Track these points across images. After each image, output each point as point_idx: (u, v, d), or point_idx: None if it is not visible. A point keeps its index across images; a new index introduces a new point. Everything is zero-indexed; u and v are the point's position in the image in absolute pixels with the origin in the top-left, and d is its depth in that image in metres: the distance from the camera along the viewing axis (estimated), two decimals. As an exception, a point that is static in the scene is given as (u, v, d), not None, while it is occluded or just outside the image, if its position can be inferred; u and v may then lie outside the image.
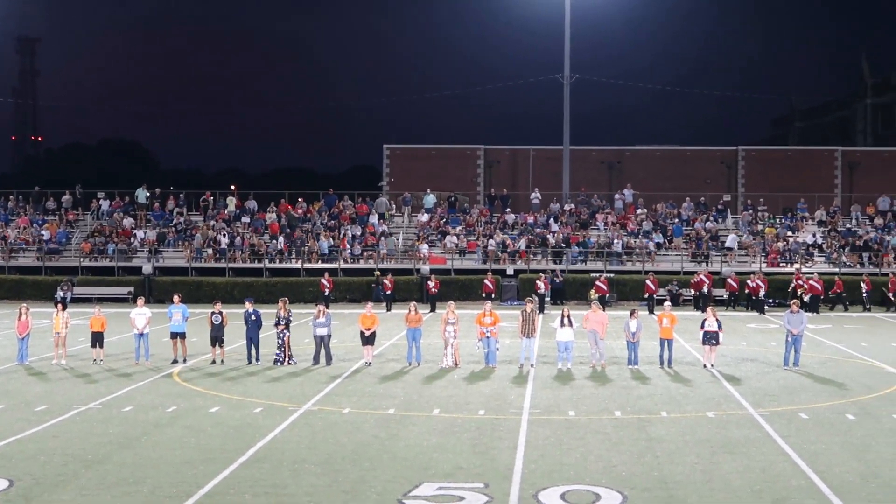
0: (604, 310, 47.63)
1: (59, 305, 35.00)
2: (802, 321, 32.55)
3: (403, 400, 26.49)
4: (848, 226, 67.97)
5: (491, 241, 63.94)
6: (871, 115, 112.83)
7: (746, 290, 55.36)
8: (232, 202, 70.59)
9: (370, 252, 63.83)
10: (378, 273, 58.85)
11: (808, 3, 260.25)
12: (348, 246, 64.09)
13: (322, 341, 32.90)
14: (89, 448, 20.76)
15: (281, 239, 64.69)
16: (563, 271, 60.17)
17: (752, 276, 55.80)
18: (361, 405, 25.75)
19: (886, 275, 58.50)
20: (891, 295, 55.89)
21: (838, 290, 56.24)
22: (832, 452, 20.48)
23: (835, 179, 79.04)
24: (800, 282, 54.79)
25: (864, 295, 55.98)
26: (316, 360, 32.91)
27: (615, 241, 63.78)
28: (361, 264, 63.23)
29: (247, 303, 34.11)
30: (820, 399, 26.88)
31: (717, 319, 32.50)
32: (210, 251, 63.85)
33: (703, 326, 32.50)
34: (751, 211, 69.64)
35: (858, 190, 76.39)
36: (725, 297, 56.69)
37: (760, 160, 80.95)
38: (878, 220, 67.74)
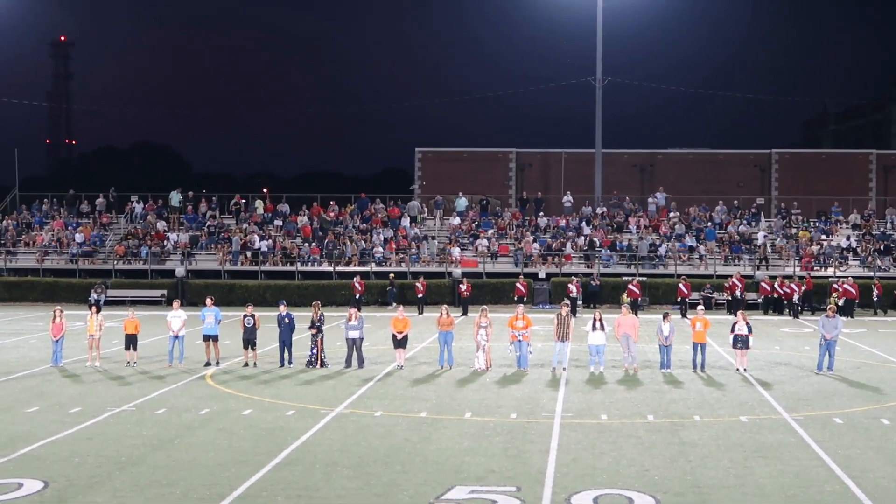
0: (635, 313, 47.69)
1: (93, 308, 35.21)
2: (837, 326, 32.39)
3: (435, 403, 26.50)
4: (882, 229, 67.54)
5: (534, 244, 63.80)
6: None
7: (775, 294, 55.16)
8: (261, 205, 70.82)
9: (402, 255, 63.89)
10: (393, 276, 58.84)
11: (841, 4, 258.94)
12: (381, 249, 64.18)
13: (354, 344, 32.96)
14: (123, 450, 20.87)
15: (313, 244, 64.80)
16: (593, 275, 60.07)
17: (783, 279, 55.56)
18: (393, 408, 25.77)
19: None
20: None
21: (879, 294, 55.89)
22: (867, 458, 20.36)
23: (869, 183, 78.64)
24: (835, 286, 54.50)
25: (875, 299, 55.72)
26: (348, 362, 32.97)
27: (642, 240, 63.58)
28: (393, 267, 63.29)
29: (280, 305, 34.23)
30: (854, 404, 26.73)
31: (747, 323, 32.40)
32: (248, 254, 64.01)
33: (733, 330, 32.43)
34: (784, 214, 69.33)
35: (893, 193, 75.93)
36: (760, 301, 56.45)
37: (794, 163, 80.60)
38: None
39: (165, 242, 66.07)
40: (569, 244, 64.35)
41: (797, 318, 52.27)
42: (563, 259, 62.85)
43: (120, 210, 72.09)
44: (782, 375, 31.74)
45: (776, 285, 55.00)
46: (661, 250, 63.57)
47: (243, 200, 71.36)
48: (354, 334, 32.93)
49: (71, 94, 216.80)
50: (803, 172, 79.07)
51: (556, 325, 32.52)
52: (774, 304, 55.53)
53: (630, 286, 54.98)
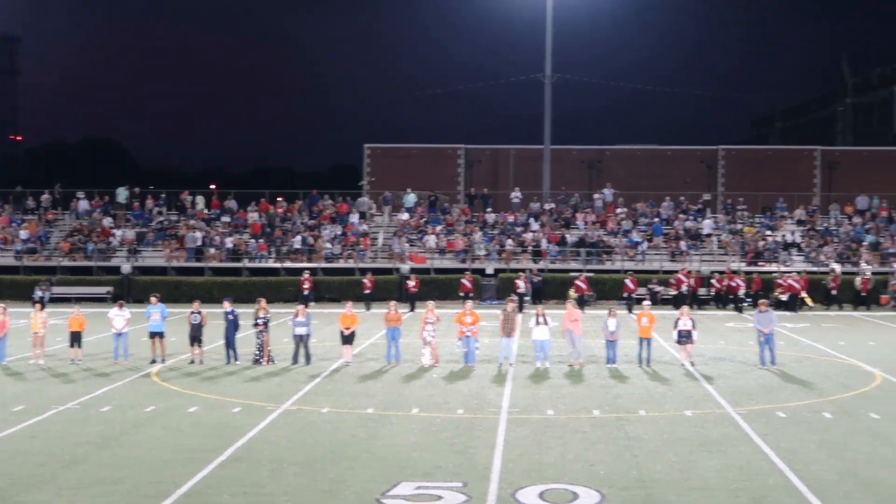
0: (582, 309, 47.88)
1: (38, 305, 34.94)
2: (772, 320, 32.76)
3: (382, 399, 26.51)
4: (826, 225, 68.22)
5: (477, 237, 63.92)
6: (850, 115, 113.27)
7: (715, 290, 55.66)
8: (202, 201, 70.37)
9: (350, 252, 63.79)
10: (308, 272, 58.29)
11: (790, 3, 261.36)
12: (329, 245, 64.04)
13: (301, 340, 32.91)
14: (67, 448, 20.73)
15: (261, 240, 64.56)
16: (542, 270, 60.19)
17: (727, 274, 55.98)
18: (340, 404, 25.76)
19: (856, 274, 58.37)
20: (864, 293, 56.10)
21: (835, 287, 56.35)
22: (809, 451, 20.58)
23: (814, 179, 79.33)
24: (779, 281, 54.98)
25: (833, 294, 56.23)
26: (295, 359, 32.91)
27: (588, 234, 63.90)
28: (341, 264, 63.19)
29: (225, 302, 34.06)
30: (797, 398, 27.00)
31: (690, 318, 32.67)
32: (213, 250, 63.56)
33: (676, 326, 32.65)
34: (729, 210, 69.85)
35: (837, 189, 76.68)
36: (711, 295, 56.83)
37: (740, 160, 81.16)
38: (857, 219, 68.01)
39: (111, 239, 65.56)
40: (508, 242, 64.48)
41: (741, 312, 52.68)
42: (508, 255, 62.95)
43: (66, 206, 71.43)
44: (726, 370, 32.01)
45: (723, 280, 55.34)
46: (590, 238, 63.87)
47: (190, 197, 70.88)
48: (302, 331, 32.88)
49: (17, 90, 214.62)
50: (749, 169, 79.62)
51: (501, 321, 32.64)
52: (721, 299, 55.94)
53: (577, 282, 55.17)
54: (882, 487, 17.91)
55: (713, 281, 56.95)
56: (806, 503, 16.97)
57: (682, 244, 64.01)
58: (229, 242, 64.07)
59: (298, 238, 64.42)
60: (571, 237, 64.99)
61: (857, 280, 56.78)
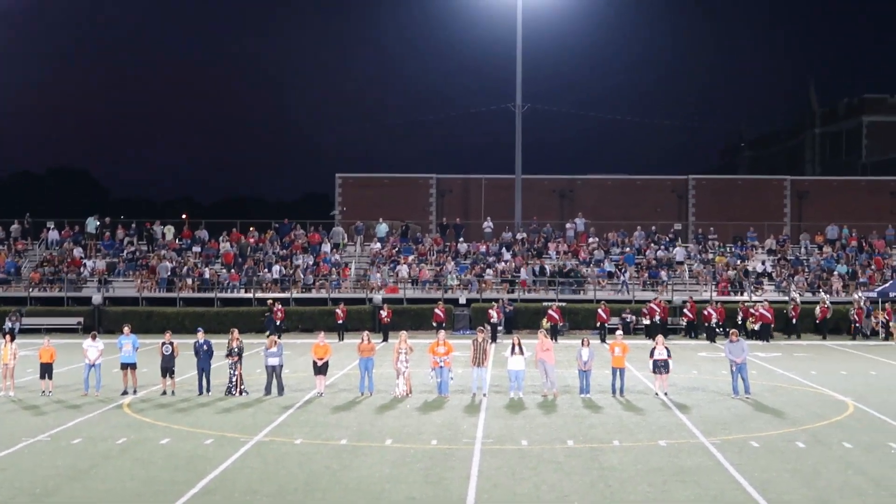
0: (555, 339, 47.95)
1: (8, 336, 34.67)
2: (743, 349, 32.78)
3: (356, 430, 26.41)
4: (797, 254, 68.54)
5: (450, 267, 63.95)
6: (819, 144, 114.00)
7: (687, 320, 55.80)
8: (170, 231, 70.14)
9: (322, 282, 63.68)
10: (271, 301, 58.39)
11: (757, 35, 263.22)
12: (302, 275, 63.92)
13: (273, 371, 32.78)
14: (37, 481, 20.54)
15: (232, 271, 64.37)
16: (514, 300, 60.24)
17: (708, 305, 56.16)
18: (313, 436, 25.65)
19: (832, 303, 58.70)
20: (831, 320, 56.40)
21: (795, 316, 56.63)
22: (783, 480, 20.61)
23: (784, 208, 79.86)
24: (751, 311, 55.17)
25: (793, 323, 56.51)
26: (268, 390, 32.76)
27: (560, 263, 64.00)
28: (314, 294, 63.07)
29: (198, 332, 33.91)
30: (770, 427, 27.05)
31: (666, 348, 32.72)
32: (189, 280, 63.31)
33: (652, 355, 32.66)
34: (700, 239, 70.12)
35: (807, 219, 77.17)
36: (683, 324, 56.96)
37: (710, 189, 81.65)
38: (827, 249, 68.39)
39: (82, 269, 65.22)
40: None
41: (714, 342, 52.78)
42: (483, 285, 62.99)
43: (35, 237, 71.06)
44: (700, 399, 32.04)
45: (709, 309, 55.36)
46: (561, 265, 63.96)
47: (161, 227, 70.60)
48: (274, 361, 32.76)
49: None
50: (720, 198, 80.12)
51: (472, 351, 32.56)
52: (693, 329, 56.11)
53: (550, 311, 55.21)
54: (856, 517, 17.94)
55: (685, 310, 57.13)
56: (781, 533, 16.98)
57: (663, 274, 64.18)
58: (207, 273, 63.84)
59: (277, 268, 64.27)
60: (545, 266, 65.07)
61: (816, 309, 57.04)
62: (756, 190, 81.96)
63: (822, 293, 60.14)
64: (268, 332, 47.56)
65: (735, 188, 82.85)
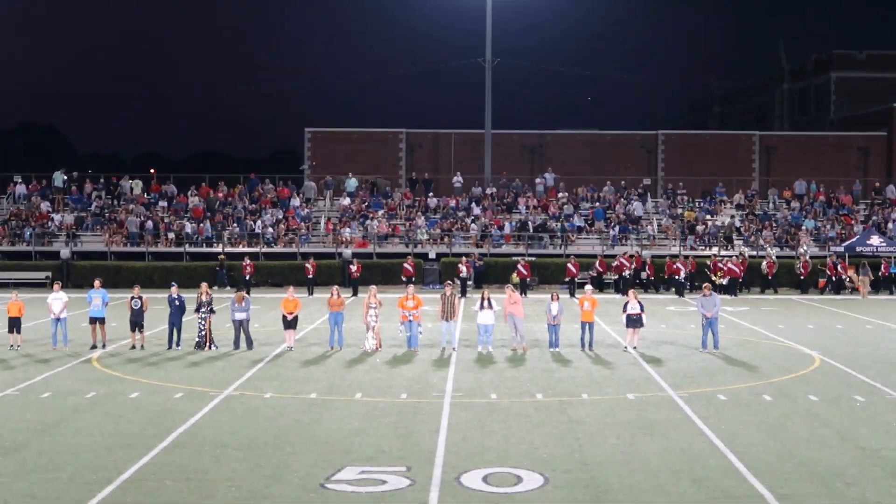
0: (524, 293, 48.06)
1: (-25, 291, 34.46)
2: (716, 304, 32.90)
3: (325, 384, 26.45)
4: (765, 209, 68.82)
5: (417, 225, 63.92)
6: (787, 100, 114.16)
7: (666, 274, 55.89)
8: (138, 186, 69.71)
9: (292, 236, 63.54)
10: (222, 256, 58.21)
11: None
12: (271, 229, 63.75)
13: (241, 326, 32.76)
14: (6, 435, 20.49)
15: (203, 225, 64.07)
16: (484, 255, 60.30)
17: (674, 258, 56.30)
18: (283, 390, 25.68)
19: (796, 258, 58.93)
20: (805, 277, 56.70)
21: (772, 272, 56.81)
22: (749, 433, 20.77)
23: (752, 164, 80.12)
24: (719, 265, 55.36)
25: (769, 278, 56.77)
26: (236, 344, 32.76)
27: (531, 219, 64.05)
28: (284, 248, 62.94)
29: (172, 287, 33.79)
30: (737, 381, 27.24)
31: (639, 302, 32.82)
32: (169, 235, 62.96)
33: (625, 310, 32.75)
34: (670, 194, 70.24)
35: (776, 174, 77.43)
36: (644, 278, 57.14)
37: (679, 145, 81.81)
38: (795, 204, 68.69)
39: (49, 224, 64.82)
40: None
41: (682, 296, 53.03)
42: (451, 239, 63.03)
43: (2, 191, 70.54)
44: (668, 353, 32.22)
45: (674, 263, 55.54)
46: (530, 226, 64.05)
47: (130, 182, 70.16)
48: (241, 316, 32.73)
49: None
50: (689, 153, 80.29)
51: (441, 306, 32.60)
52: (661, 283, 56.35)
53: (519, 266, 55.27)
54: (820, 468, 18.10)
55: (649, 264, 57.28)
56: (746, 484, 17.12)
57: (650, 228, 64.37)
58: (189, 227, 63.47)
59: (246, 223, 64.04)
60: (514, 222, 65.15)
61: (798, 263, 57.35)
62: (725, 145, 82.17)
63: (803, 247, 60.42)
64: (219, 286, 47.51)
65: (704, 144, 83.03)
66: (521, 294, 44.00)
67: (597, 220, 65.69)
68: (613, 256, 58.01)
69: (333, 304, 33.14)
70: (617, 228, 64.40)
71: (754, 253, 60.77)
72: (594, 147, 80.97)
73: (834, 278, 56.43)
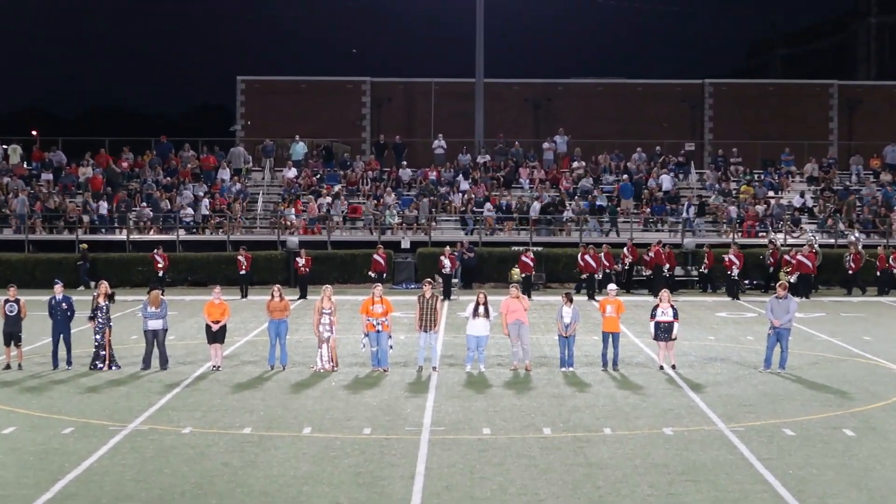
0: (528, 294, 47.96)
1: None
2: (790, 309, 32.69)
3: (264, 416, 26.40)
4: (847, 183, 68.84)
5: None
6: (875, 39, 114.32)
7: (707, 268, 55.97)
8: (16, 152, 69.48)
9: (219, 219, 63.38)
10: (85, 246, 58.12)
11: None
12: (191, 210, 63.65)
13: (155, 338, 32.69)
14: None
15: (99, 204, 63.89)
16: (474, 244, 60.18)
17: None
18: (207, 423, 25.62)
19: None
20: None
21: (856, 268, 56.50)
22: (826, 479, 20.76)
23: (829, 123, 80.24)
24: (786, 258, 55.08)
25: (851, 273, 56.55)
26: (146, 363, 32.69)
27: (535, 203, 64.04)
28: (208, 235, 62.82)
29: (56, 286, 33.67)
30: (810, 410, 27.25)
31: (671, 306, 32.64)
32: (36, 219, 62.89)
33: (653, 316, 32.66)
34: (720, 164, 70.25)
35: (860, 137, 77.53)
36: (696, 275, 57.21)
37: (733, 98, 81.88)
38: (885, 176, 68.58)
39: None
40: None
41: (737, 298, 53.00)
42: (432, 223, 63.02)
43: None
44: (718, 375, 32.20)
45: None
46: (567, 213, 64.08)
47: (4, 147, 69.96)
48: (156, 325, 32.66)
49: None
50: (745, 110, 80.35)
51: (418, 311, 32.47)
52: (705, 281, 56.38)
53: (522, 258, 55.07)
54: (921, 526, 18.13)
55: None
56: (822, 548, 17.15)
57: (692, 210, 64.41)
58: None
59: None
60: (513, 200, 65.14)
61: (847, 255, 56.33)
62: (793, 99, 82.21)
63: (853, 235, 60.34)
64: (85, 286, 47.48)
65: (766, 96, 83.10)
66: (525, 295, 44.00)
67: (623, 197, 65.68)
68: (647, 246, 57.95)
69: (274, 310, 33.05)
70: (649, 209, 64.45)
71: (831, 241, 60.77)
72: (620, 101, 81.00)
73: (878, 273, 56.13)
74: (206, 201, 64.59)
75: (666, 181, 67.10)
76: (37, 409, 27.27)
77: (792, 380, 31.39)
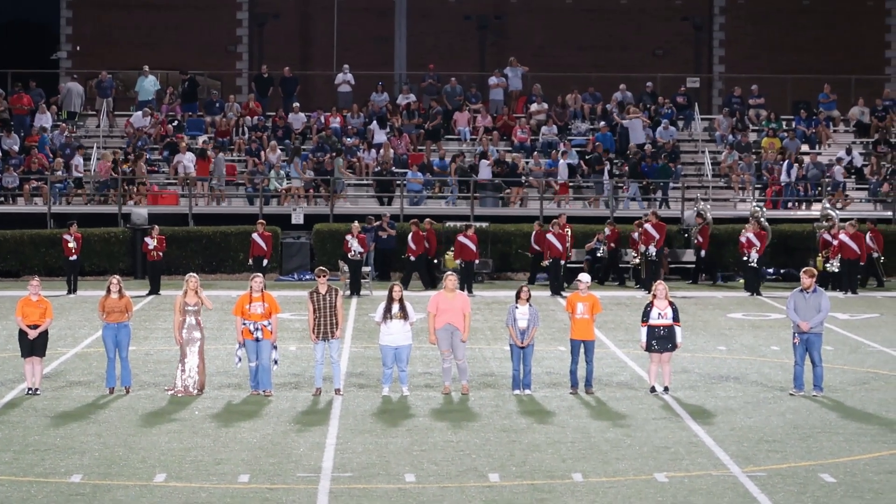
0: (469, 289, 48.08)
1: None
2: (821, 307, 32.46)
3: (99, 457, 26.36)
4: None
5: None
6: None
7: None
8: None
9: (37, 184, 63.10)
10: None
11: None
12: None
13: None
14: None
15: None
16: (395, 218, 60.14)
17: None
18: (20, 468, 25.55)
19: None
20: None
21: None
22: (876, 541, 20.98)
23: (886, 51, 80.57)
24: (826, 237, 55.12)
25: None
26: (-65, 384, 32.68)
27: (484, 162, 64.16)
28: (23, 205, 62.53)
29: None
30: (856, 448, 27.39)
31: (671, 304, 32.62)
32: None
33: (646, 318, 32.71)
34: (735, 107, 70.40)
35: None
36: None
37: (752, 16, 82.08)
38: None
39: None
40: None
41: (758, 293, 53.03)
42: (334, 189, 63.07)
43: None
44: (731, 399, 32.35)
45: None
46: (487, 173, 64.18)
47: None
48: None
49: None
50: (768, 32, 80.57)
51: (312, 312, 32.41)
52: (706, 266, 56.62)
53: (460, 238, 54.99)
54: None
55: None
56: None
57: (700, 169, 64.74)
58: None
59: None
60: (449, 157, 65.22)
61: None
62: (833, 16, 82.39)
63: None
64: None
65: (796, 13, 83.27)
66: (465, 289, 44.11)
67: (611, 151, 65.69)
68: (633, 220, 58.04)
69: (112, 311, 32.94)
70: (605, 173, 64.47)
71: (889, 214, 61.02)
72: (597, 20, 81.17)
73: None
74: (18, 158, 64.33)
75: (661, 131, 67.17)
76: None
77: (831, 406, 31.55)
